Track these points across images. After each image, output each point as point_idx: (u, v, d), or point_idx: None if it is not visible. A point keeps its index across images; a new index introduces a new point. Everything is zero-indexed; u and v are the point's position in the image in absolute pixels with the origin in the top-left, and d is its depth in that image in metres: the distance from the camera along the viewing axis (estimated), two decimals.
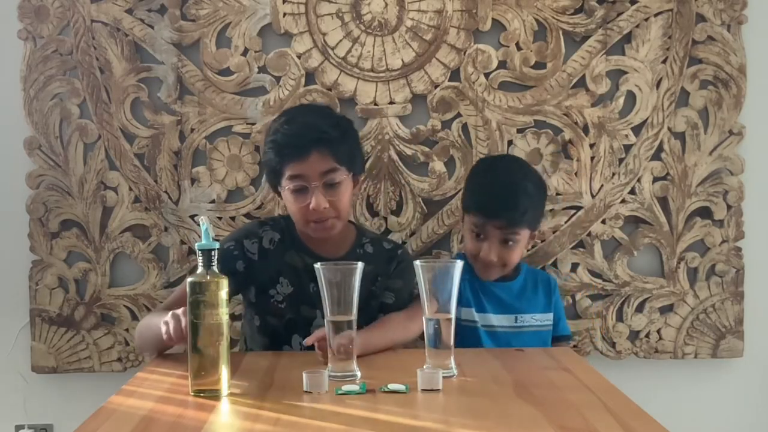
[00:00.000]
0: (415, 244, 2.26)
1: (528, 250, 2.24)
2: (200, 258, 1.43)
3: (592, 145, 2.26)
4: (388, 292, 1.92)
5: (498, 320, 2.00)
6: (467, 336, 1.91)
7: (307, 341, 1.64)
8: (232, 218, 2.24)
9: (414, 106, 2.25)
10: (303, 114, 1.91)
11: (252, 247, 1.89)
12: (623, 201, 2.28)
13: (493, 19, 2.23)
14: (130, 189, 2.25)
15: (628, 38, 2.25)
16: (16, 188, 2.25)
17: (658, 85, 2.25)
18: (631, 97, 2.26)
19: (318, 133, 1.81)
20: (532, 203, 1.96)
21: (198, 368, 1.41)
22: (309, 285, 1.85)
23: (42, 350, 2.26)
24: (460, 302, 1.84)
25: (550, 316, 2.05)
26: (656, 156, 2.27)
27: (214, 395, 1.40)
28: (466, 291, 1.96)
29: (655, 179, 2.28)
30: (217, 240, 1.53)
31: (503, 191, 1.95)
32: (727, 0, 2.24)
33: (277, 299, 1.89)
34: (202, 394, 1.41)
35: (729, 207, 2.28)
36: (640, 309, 2.29)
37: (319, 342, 1.61)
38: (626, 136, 2.26)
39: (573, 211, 2.28)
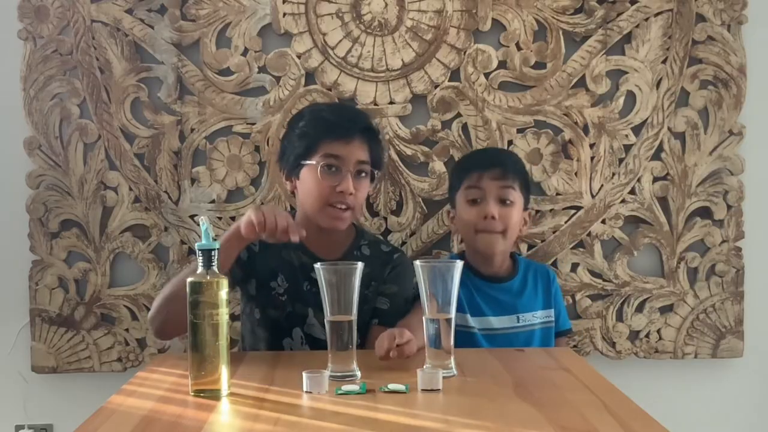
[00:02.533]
0: (415, 244, 2.26)
1: (528, 250, 2.25)
2: (200, 258, 1.43)
3: (592, 145, 2.26)
4: (382, 297, 1.90)
5: (499, 322, 1.98)
6: (461, 341, 1.89)
7: (382, 357, 1.57)
8: (232, 218, 2.24)
9: (414, 106, 2.25)
10: (346, 105, 2.04)
11: None
12: (623, 201, 2.28)
13: (493, 19, 2.23)
14: (130, 189, 2.25)
15: (628, 38, 2.25)
16: (16, 188, 2.25)
17: (658, 85, 2.25)
18: (631, 97, 2.26)
19: (366, 122, 1.91)
20: (520, 166, 2.09)
21: (198, 368, 1.41)
22: (303, 283, 1.86)
23: (42, 350, 2.26)
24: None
25: (551, 312, 2.04)
26: (656, 156, 2.27)
27: (214, 395, 1.40)
28: (460, 295, 1.94)
29: (655, 179, 2.28)
30: (217, 240, 1.52)
31: (493, 150, 2.18)
32: (727, 0, 2.24)
33: (278, 291, 1.89)
34: (202, 394, 1.41)
35: (729, 207, 2.28)
36: (640, 309, 2.29)
37: (390, 351, 1.56)
38: (626, 136, 2.26)
39: (573, 211, 2.28)
